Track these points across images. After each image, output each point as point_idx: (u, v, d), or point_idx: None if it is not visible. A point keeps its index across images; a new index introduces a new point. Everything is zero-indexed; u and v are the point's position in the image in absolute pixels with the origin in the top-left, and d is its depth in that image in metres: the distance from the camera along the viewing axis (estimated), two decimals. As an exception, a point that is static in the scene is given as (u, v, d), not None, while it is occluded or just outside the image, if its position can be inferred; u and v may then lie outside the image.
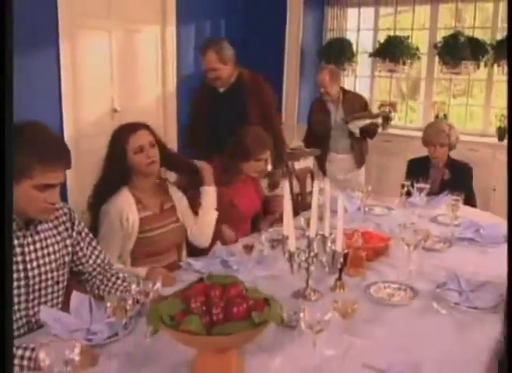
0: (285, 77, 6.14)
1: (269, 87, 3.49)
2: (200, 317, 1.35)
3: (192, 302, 1.41)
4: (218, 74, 3.34)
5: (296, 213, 2.35)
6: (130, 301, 1.53)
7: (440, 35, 5.50)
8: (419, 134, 5.14)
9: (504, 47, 4.96)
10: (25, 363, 1.44)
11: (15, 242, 1.67)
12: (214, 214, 2.63)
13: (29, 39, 4.03)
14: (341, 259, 1.92)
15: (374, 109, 6.01)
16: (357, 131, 4.40)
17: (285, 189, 1.95)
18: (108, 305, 1.50)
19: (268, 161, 2.84)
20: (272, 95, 3.50)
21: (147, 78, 5.30)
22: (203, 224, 2.59)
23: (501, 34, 5.19)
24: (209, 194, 2.63)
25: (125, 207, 2.32)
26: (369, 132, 4.47)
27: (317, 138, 4.62)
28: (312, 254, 1.92)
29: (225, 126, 3.20)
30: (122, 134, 2.36)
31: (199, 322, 1.33)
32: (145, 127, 2.41)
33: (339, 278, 2.03)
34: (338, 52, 5.98)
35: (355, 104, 4.50)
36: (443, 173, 3.53)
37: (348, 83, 6.22)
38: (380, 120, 4.64)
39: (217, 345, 1.36)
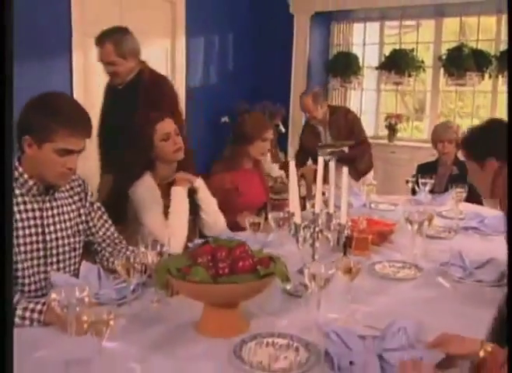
0: (293, 90, 6.22)
1: (171, 88, 3.09)
2: (206, 270, 1.38)
3: (199, 259, 1.45)
4: (115, 70, 2.95)
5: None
6: (138, 260, 1.56)
7: (445, 48, 5.59)
8: (425, 145, 5.26)
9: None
10: (35, 316, 1.48)
11: (35, 206, 1.73)
12: (184, 218, 2.44)
13: (43, 47, 4.15)
14: (347, 232, 1.94)
15: (381, 121, 6.10)
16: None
17: (290, 165, 1.99)
18: (116, 262, 1.54)
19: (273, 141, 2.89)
20: (172, 97, 3.05)
21: (157, 88, 5.38)
22: (174, 228, 2.34)
23: (504, 46, 5.27)
24: (178, 195, 2.43)
25: (150, 190, 2.37)
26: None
27: (308, 156, 4.60)
28: (317, 229, 1.95)
29: (118, 126, 2.78)
30: (149, 121, 2.43)
31: (206, 273, 1.36)
32: (170, 116, 2.49)
33: (344, 254, 2.05)
34: (345, 66, 6.07)
35: (340, 125, 4.43)
36: (451, 170, 3.58)
37: (354, 96, 6.31)
38: (345, 149, 4.35)
39: (223, 295, 1.39)
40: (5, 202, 0.87)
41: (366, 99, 6.31)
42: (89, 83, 4.61)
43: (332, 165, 2.03)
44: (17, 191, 1.71)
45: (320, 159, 1.99)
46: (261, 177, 3.05)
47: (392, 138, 5.85)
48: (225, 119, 5.80)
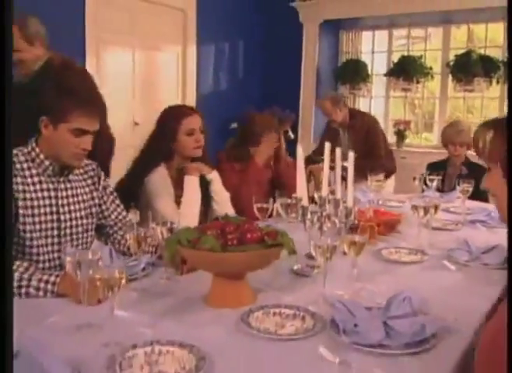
0: (302, 97, 6.28)
1: (88, 77, 2.69)
2: (216, 239, 1.42)
3: (208, 231, 1.49)
4: (20, 57, 2.61)
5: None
6: (148, 234, 1.60)
7: (453, 55, 5.64)
8: (435, 150, 5.30)
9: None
10: (49, 287, 1.52)
11: (51, 186, 1.78)
12: (196, 207, 2.48)
13: (57, 51, 4.23)
14: (353, 221, 1.97)
15: (389, 128, 6.13)
16: None
17: (298, 150, 2.03)
18: (128, 236, 1.58)
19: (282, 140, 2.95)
20: (90, 87, 2.61)
21: (167, 93, 5.46)
22: (185, 216, 2.33)
23: (513, 52, 5.30)
24: (189, 185, 2.48)
25: (164, 180, 2.44)
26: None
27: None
28: (324, 214, 1.98)
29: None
30: (177, 114, 2.50)
31: (215, 241, 1.40)
32: (198, 113, 2.56)
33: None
34: (354, 73, 6.13)
35: (358, 128, 4.45)
36: (461, 170, 3.61)
37: (363, 103, 6.36)
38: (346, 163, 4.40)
39: (232, 264, 1.42)
40: (5, 205, 0.88)
41: (375, 106, 6.36)
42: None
43: (339, 151, 2.06)
44: (33, 171, 1.76)
45: (327, 145, 2.04)
46: (267, 173, 3.10)
47: (401, 144, 5.88)
48: (234, 125, 5.86)
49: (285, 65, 6.23)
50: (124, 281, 1.22)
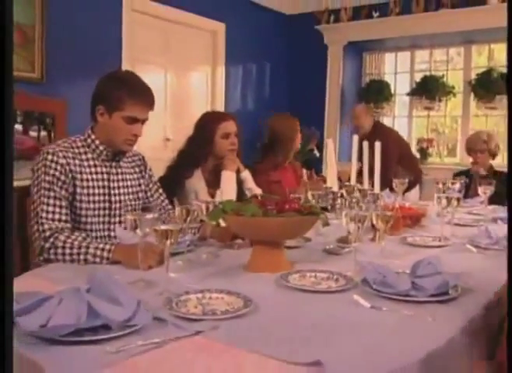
0: (327, 117, 6.46)
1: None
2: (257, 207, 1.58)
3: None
4: None
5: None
6: (194, 208, 1.76)
7: (474, 74, 5.79)
8: (458, 167, 5.41)
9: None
10: (105, 254, 1.69)
11: (104, 169, 1.97)
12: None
13: (95, 71, 4.48)
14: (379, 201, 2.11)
15: (413, 146, 6.25)
16: None
17: (329, 143, 2.19)
18: (177, 209, 1.73)
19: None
20: None
21: (198, 111, 5.65)
22: None
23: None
24: (227, 179, 2.70)
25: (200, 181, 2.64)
26: None
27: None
28: (354, 200, 2.13)
29: None
30: (215, 119, 2.74)
31: (257, 208, 1.55)
32: (234, 118, 2.79)
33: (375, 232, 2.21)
34: (377, 93, 6.31)
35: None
36: (483, 178, 3.73)
37: (386, 122, 6.50)
38: None
39: (272, 228, 1.57)
40: (5, 206, 0.89)
41: (398, 125, 6.50)
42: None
43: (366, 144, 2.22)
44: (89, 155, 1.95)
45: (355, 138, 2.20)
46: (296, 174, 3.26)
47: (424, 162, 5.99)
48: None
49: (310, 85, 6.44)
50: (178, 235, 1.38)
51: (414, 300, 1.35)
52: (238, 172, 2.74)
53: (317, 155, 6.21)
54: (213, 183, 2.70)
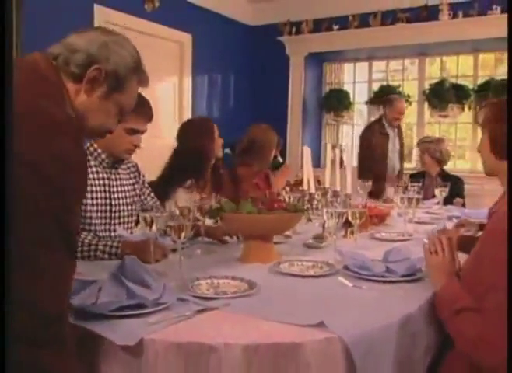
0: (289, 125, 6.75)
1: None
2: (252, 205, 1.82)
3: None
4: None
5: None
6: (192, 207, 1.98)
7: (427, 84, 6.18)
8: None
9: (485, 90, 5.60)
10: (113, 250, 1.89)
11: (105, 175, 2.17)
12: None
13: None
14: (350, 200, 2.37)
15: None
16: None
17: (304, 151, 2.45)
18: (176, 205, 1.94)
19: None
20: None
21: (165, 121, 5.88)
22: None
23: (481, 81, 5.86)
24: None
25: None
26: None
27: (374, 162, 4.94)
28: (329, 200, 2.39)
29: None
30: (211, 126, 2.94)
31: (252, 206, 1.79)
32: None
33: (349, 225, 2.48)
34: (337, 102, 6.64)
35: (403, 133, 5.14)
36: (436, 181, 4.05)
37: (346, 130, 6.85)
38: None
39: (265, 224, 1.81)
40: (5, 206, 0.89)
41: (358, 133, 6.82)
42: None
43: (337, 150, 2.49)
44: (92, 162, 2.15)
45: (329, 146, 2.46)
46: (268, 180, 3.53)
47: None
48: (227, 150, 6.27)
49: (273, 94, 6.72)
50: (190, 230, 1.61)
51: (388, 280, 1.62)
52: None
53: (281, 160, 6.47)
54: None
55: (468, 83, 5.96)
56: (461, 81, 6.00)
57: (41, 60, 1.15)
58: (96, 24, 4.91)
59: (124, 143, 2.13)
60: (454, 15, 5.52)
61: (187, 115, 6.07)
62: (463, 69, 6.16)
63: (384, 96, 6.14)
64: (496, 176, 1.69)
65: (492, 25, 5.10)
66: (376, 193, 3.75)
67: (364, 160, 4.96)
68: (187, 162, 2.83)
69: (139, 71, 1.30)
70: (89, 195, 2.11)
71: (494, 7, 5.28)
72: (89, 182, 2.09)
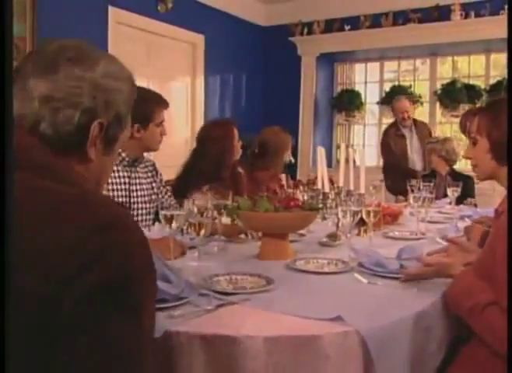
0: (301, 125, 6.79)
1: None
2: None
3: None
4: None
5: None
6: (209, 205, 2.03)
7: (439, 84, 6.20)
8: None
9: (497, 90, 5.61)
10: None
11: (125, 174, 2.23)
12: None
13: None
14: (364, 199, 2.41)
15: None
16: None
17: (319, 151, 2.49)
18: (196, 202, 1.99)
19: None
20: None
21: (178, 120, 5.95)
22: None
23: (493, 80, 5.87)
24: None
25: None
26: None
27: (397, 163, 5.03)
28: (343, 199, 2.43)
29: None
30: (232, 130, 2.99)
31: (269, 204, 1.84)
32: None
33: (363, 223, 2.52)
34: (348, 102, 6.68)
35: (424, 130, 5.12)
36: (446, 180, 4.08)
37: (357, 130, 6.88)
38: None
39: (282, 222, 1.86)
40: (5, 206, 1.00)
41: (369, 133, 6.87)
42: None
43: (351, 150, 2.53)
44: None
45: (343, 146, 2.50)
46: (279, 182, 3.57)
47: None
48: (239, 150, 6.32)
49: (284, 94, 6.77)
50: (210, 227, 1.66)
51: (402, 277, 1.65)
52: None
53: (293, 161, 6.50)
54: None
55: (480, 83, 5.97)
56: (472, 81, 6.01)
57: None
58: (110, 25, 4.99)
59: (157, 137, 2.26)
60: (466, 16, 5.54)
61: (200, 115, 6.13)
62: (475, 69, 6.18)
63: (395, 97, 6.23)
64: (492, 179, 1.67)
65: (504, 25, 5.07)
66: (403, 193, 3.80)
67: (389, 164, 5.04)
68: (206, 166, 2.84)
69: None
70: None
71: (506, 7, 5.29)
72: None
